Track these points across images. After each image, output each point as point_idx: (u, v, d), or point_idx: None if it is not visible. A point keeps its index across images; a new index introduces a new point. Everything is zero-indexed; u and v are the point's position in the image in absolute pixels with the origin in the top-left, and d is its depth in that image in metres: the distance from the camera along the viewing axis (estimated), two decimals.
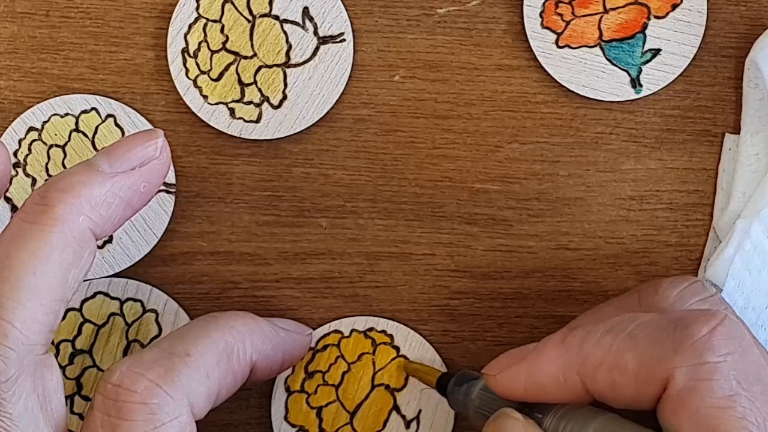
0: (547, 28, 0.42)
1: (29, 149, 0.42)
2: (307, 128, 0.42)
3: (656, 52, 0.42)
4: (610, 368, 0.33)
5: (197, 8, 0.42)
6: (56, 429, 0.34)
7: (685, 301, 0.37)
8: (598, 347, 0.33)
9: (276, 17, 0.42)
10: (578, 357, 0.34)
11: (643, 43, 0.42)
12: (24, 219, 0.34)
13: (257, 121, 0.42)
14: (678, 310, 0.36)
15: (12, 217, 0.42)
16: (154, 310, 0.42)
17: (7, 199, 0.42)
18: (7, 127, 0.42)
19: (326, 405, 0.42)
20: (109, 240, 0.42)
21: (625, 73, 0.42)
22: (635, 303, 0.38)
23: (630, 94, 0.42)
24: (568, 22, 0.42)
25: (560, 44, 0.42)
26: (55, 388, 0.34)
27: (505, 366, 0.35)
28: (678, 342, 0.32)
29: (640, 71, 0.42)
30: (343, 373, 0.42)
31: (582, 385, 0.34)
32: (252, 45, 0.42)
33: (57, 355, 0.41)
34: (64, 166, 0.42)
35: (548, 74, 0.42)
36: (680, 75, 0.42)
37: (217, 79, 0.42)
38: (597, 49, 0.42)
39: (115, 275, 0.42)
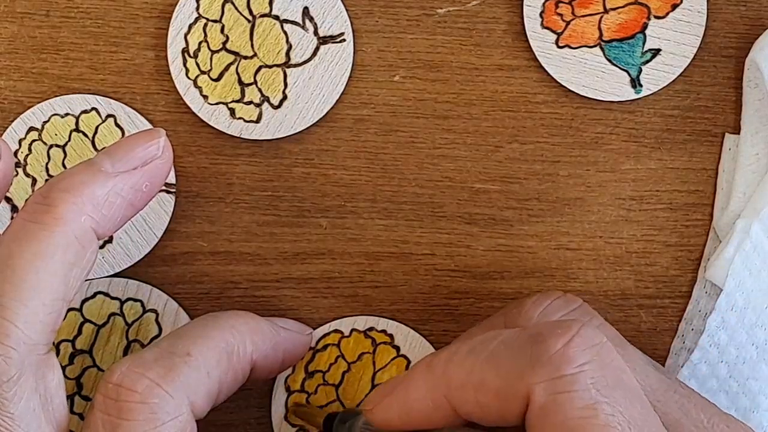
0: (547, 28, 0.42)
1: (29, 149, 0.42)
2: (307, 128, 0.42)
3: (656, 52, 0.42)
4: (474, 389, 0.33)
5: (197, 8, 0.42)
6: (57, 428, 0.34)
7: (549, 318, 0.37)
8: (461, 368, 0.33)
9: (276, 17, 0.42)
10: (443, 380, 0.34)
11: (643, 43, 0.42)
12: (26, 218, 0.34)
13: (257, 121, 0.42)
14: (536, 324, 0.36)
15: (13, 216, 0.42)
16: (154, 310, 0.42)
17: (8, 199, 0.42)
18: (7, 127, 0.42)
19: (326, 405, 0.42)
20: (110, 240, 0.42)
21: (625, 73, 0.42)
22: (501, 324, 0.38)
23: (630, 94, 0.42)
24: (568, 22, 0.42)
25: (560, 44, 0.42)
26: (56, 388, 0.34)
27: (378, 399, 0.36)
28: (536, 357, 0.32)
29: (640, 71, 0.42)
30: (344, 373, 0.42)
31: (451, 408, 0.34)
32: (252, 45, 0.42)
33: (57, 355, 0.41)
34: (64, 166, 0.42)
35: (548, 74, 0.42)
36: (680, 75, 0.42)
37: (217, 79, 0.42)
38: (597, 49, 0.42)
39: (115, 275, 0.42)
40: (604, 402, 0.31)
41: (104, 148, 0.36)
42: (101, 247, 0.42)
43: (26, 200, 0.39)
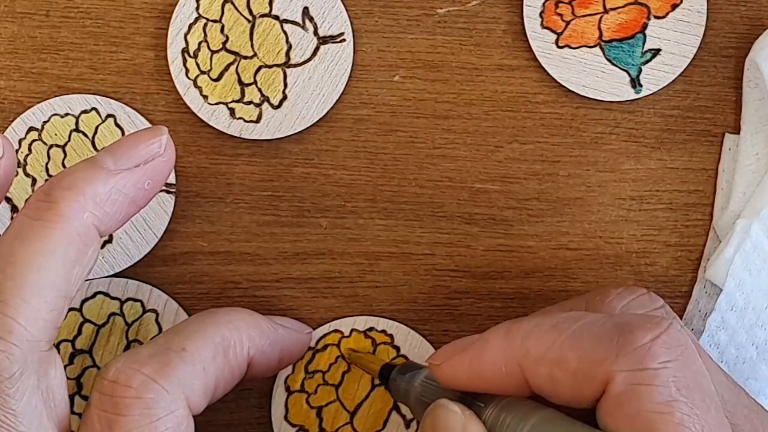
0: (547, 28, 0.42)
1: (29, 149, 0.42)
2: (307, 128, 0.42)
3: (656, 52, 0.42)
4: (551, 364, 0.33)
5: (197, 8, 0.42)
6: (59, 425, 0.34)
7: (630, 312, 0.37)
8: (541, 342, 0.33)
9: (276, 17, 0.42)
10: (521, 349, 0.34)
11: (643, 43, 0.42)
12: (28, 216, 0.34)
13: (257, 121, 0.42)
14: (625, 314, 0.36)
15: (13, 216, 0.42)
16: (154, 310, 0.42)
17: (8, 199, 0.42)
18: (7, 127, 0.42)
19: (326, 405, 0.42)
20: (110, 240, 0.42)
21: (625, 73, 0.42)
22: (582, 309, 0.38)
23: (630, 94, 0.42)
24: (568, 22, 0.42)
25: (560, 44, 0.42)
26: (58, 385, 0.34)
27: (449, 355, 0.35)
28: (621, 346, 0.32)
29: (640, 71, 0.42)
30: (344, 373, 0.42)
31: (523, 378, 0.34)
32: (252, 45, 0.42)
33: None
34: (64, 166, 0.42)
35: (548, 74, 0.42)
36: (680, 75, 0.42)
37: (217, 79, 0.42)
38: (597, 49, 0.42)
39: (115, 275, 0.42)
40: (683, 401, 0.31)
41: (107, 145, 0.36)
42: (101, 247, 0.42)
43: (27, 199, 0.39)
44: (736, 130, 0.42)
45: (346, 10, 0.42)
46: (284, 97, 0.42)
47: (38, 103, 0.42)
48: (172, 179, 0.42)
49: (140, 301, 0.42)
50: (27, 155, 0.42)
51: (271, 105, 0.42)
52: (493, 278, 0.42)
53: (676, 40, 0.42)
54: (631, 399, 0.31)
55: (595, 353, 0.32)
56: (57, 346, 0.41)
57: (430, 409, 0.35)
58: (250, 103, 0.42)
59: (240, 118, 0.42)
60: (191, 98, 0.42)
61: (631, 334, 0.32)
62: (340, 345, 0.42)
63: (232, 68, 0.42)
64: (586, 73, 0.42)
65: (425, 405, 0.35)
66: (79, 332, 0.42)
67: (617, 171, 0.42)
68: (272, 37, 0.42)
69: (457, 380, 0.35)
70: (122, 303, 0.42)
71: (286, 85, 0.42)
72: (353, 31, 0.42)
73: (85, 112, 0.42)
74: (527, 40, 0.42)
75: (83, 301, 0.42)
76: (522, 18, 0.42)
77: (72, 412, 0.42)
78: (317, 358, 0.42)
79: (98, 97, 0.42)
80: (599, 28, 0.42)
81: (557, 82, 0.42)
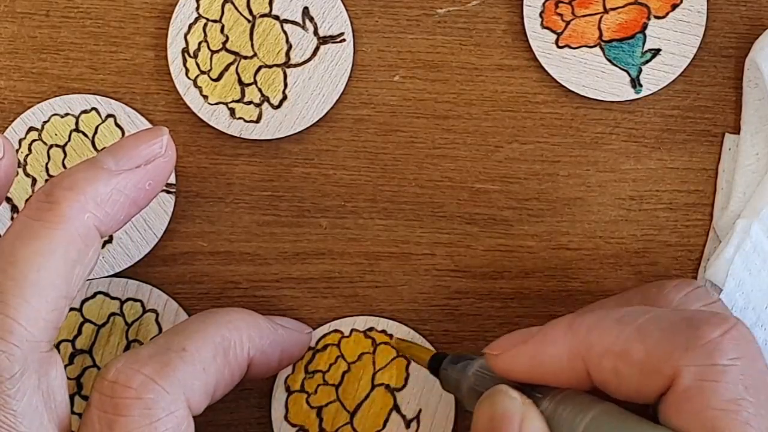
0: (547, 28, 0.42)
1: (29, 149, 0.42)
2: (307, 128, 0.42)
3: (656, 52, 0.42)
4: (617, 357, 0.33)
5: (197, 8, 0.42)
6: (60, 426, 0.34)
7: (689, 305, 0.37)
8: (607, 335, 0.33)
9: (276, 17, 0.42)
10: (585, 342, 0.33)
11: (643, 43, 0.42)
12: (29, 216, 0.34)
13: (257, 121, 0.42)
14: (691, 309, 0.36)
15: (13, 217, 0.42)
16: (154, 310, 0.42)
17: (8, 199, 0.42)
18: (7, 127, 0.42)
19: (326, 405, 0.42)
20: (110, 240, 0.42)
21: (625, 73, 0.42)
22: (638, 302, 0.38)
23: (630, 94, 0.42)
24: (568, 22, 0.42)
25: (560, 44, 0.42)
26: (59, 385, 0.34)
27: (508, 346, 0.35)
28: (689, 340, 0.32)
29: (640, 71, 0.42)
30: (343, 373, 0.42)
31: (585, 372, 0.33)
32: (252, 45, 0.42)
33: None
34: (64, 166, 0.42)
35: (548, 74, 0.42)
36: (680, 75, 0.42)
37: (217, 79, 0.42)
38: (597, 49, 0.42)
39: (115, 275, 0.42)
40: (749, 401, 0.31)
41: (108, 146, 0.36)
42: (101, 247, 0.42)
43: (27, 200, 0.39)
44: (736, 130, 0.42)
45: (346, 10, 0.42)
46: (284, 97, 0.42)
47: (38, 103, 0.42)
48: (172, 179, 0.42)
49: (140, 301, 0.42)
50: (27, 155, 0.42)
51: (271, 105, 0.42)
52: (493, 278, 0.42)
53: (676, 40, 0.42)
54: (698, 395, 0.31)
55: (662, 347, 0.32)
56: (57, 346, 0.41)
57: (487, 395, 0.34)
58: (250, 103, 0.42)
59: (240, 118, 0.42)
60: (191, 98, 0.42)
61: (699, 329, 0.32)
62: (340, 345, 0.42)
63: (232, 68, 0.42)
64: (586, 73, 0.42)
65: (479, 395, 0.35)
66: (79, 332, 0.42)
67: (617, 171, 0.42)
68: (272, 37, 0.42)
69: (516, 371, 0.35)
70: (122, 303, 0.42)
71: (286, 85, 0.42)
72: (353, 31, 0.42)
73: (85, 112, 0.42)
74: (527, 40, 0.42)
75: (83, 301, 0.42)
76: (522, 18, 0.42)
77: (72, 412, 0.41)
78: (317, 358, 0.42)
79: (98, 97, 0.42)
80: (599, 28, 0.42)
81: (557, 82, 0.42)
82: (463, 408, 0.41)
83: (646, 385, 0.32)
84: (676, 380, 0.32)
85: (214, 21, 0.42)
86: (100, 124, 0.42)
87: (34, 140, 0.42)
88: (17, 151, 0.42)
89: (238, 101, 0.42)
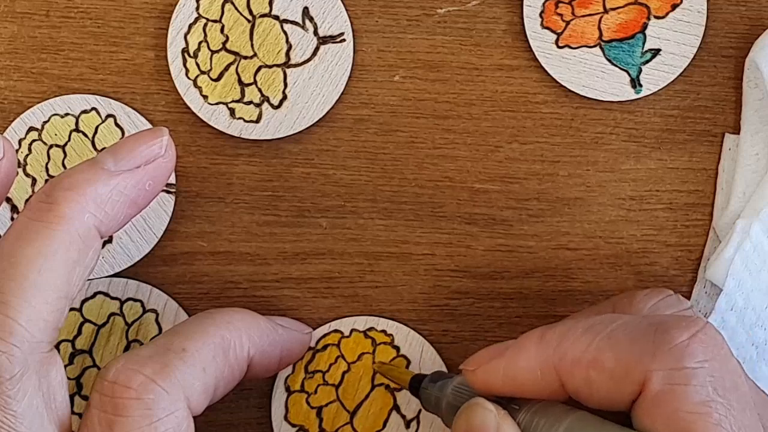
0: (547, 28, 0.42)
1: (29, 149, 0.42)
2: (307, 128, 0.42)
3: (656, 52, 0.42)
4: (588, 366, 0.33)
5: (197, 8, 0.42)
6: (60, 426, 0.34)
7: (659, 313, 0.37)
8: (577, 344, 0.33)
9: (276, 17, 0.42)
10: (557, 353, 0.34)
11: (643, 43, 0.42)
12: (29, 217, 0.34)
13: (257, 121, 0.42)
14: (659, 314, 0.36)
15: (13, 217, 0.42)
16: (154, 310, 0.42)
17: (8, 200, 0.42)
18: (7, 127, 0.42)
19: (326, 405, 0.42)
20: (109, 240, 0.42)
21: (625, 73, 0.42)
22: (609, 312, 0.38)
23: (630, 94, 0.42)
24: (568, 22, 0.42)
25: (560, 44, 0.42)
26: (59, 386, 0.34)
27: (483, 361, 0.35)
28: (657, 345, 0.32)
29: (640, 71, 0.42)
30: (344, 373, 0.42)
31: (559, 382, 0.34)
32: (252, 45, 0.42)
33: None
34: (64, 166, 0.42)
35: (548, 74, 0.42)
36: (680, 75, 0.42)
37: (217, 79, 0.42)
38: (597, 49, 0.42)
39: (115, 275, 0.42)
40: (720, 402, 0.31)
41: (108, 146, 0.36)
42: (101, 247, 0.42)
43: (26, 200, 0.39)
44: (736, 130, 0.42)
45: (346, 10, 0.42)
46: (284, 97, 0.42)
47: (38, 103, 0.42)
48: (172, 179, 0.42)
49: (140, 301, 0.42)
50: (27, 155, 0.42)
51: (271, 105, 0.42)
52: (493, 278, 0.42)
53: (676, 40, 0.42)
54: (669, 399, 0.31)
55: (632, 353, 0.32)
56: (57, 346, 0.41)
57: (464, 408, 0.35)
58: (250, 103, 0.42)
59: (240, 118, 0.42)
60: (191, 98, 0.42)
61: (667, 333, 0.32)
62: (340, 345, 0.42)
63: (232, 68, 0.42)
64: (586, 73, 0.42)
65: (457, 411, 0.35)
66: (79, 332, 0.42)
67: (617, 171, 0.42)
68: (272, 37, 0.42)
69: (492, 385, 0.35)
70: (122, 303, 0.42)
71: (286, 85, 0.42)
72: (353, 31, 0.42)
73: (85, 112, 0.42)
74: (527, 40, 0.42)
75: (83, 301, 0.42)
76: (522, 18, 0.42)
77: (72, 412, 0.41)
78: (317, 358, 0.42)
79: (98, 97, 0.42)
80: (599, 28, 0.42)
81: (557, 82, 0.42)
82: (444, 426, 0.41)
83: (618, 392, 0.33)
84: (646, 385, 0.32)
85: (214, 21, 0.42)
86: (100, 124, 0.42)
87: (34, 140, 0.42)
88: (17, 151, 0.42)
89: (238, 101, 0.42)
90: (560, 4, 0.42)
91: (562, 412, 0.33)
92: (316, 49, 0.42)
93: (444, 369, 0.42)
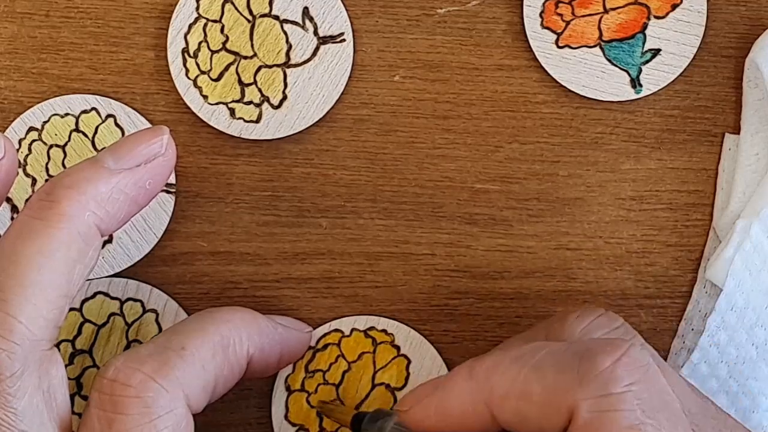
0: (547, 28, 0.42)
1: (29, 149, 0.42)
2: (307, 128, 0.42)
3: (656, 52, 0.42)
4: (517, 398, 0.33)
5: (197, 8, 0.42)
6: (60, 424, 0.34)
7: (591, 335, 0.37)
8: (505, 377, 0.33)
9: (276, 17, 0.42)
10: (485, 387, 0.34)
11: (643, 43, 0.42)
12: (30, 215, 0.34)
13: (257, 121, 0.42)
14: (584, 340, 0.36)
15: (13, 217, 0.42)
16: (154, 310, 0.42)
17: (8, 200, 0.42)
18: (7, 127, 0.42)
19: (327, 404, 0.42)
20: (109, 240, 0.42)
21: (625, 73, 0.42)
22: (543, 337, 0.38)
23: (630, 94, 0.42)
24: (568, 22, 0.42)
25: (560, 44, 0.42)
26: (59, 384, 0.34)
27: (416, 400, 0.36)
28: (583, 373, 0.32)
29: (640, 71, 0.42)
30: (344, 372, 0.42)
31: (490, 415, 0.34)
32: (252, 45, 0.42)
33: None
34: (64, 166, 0.42)
35: (548, 74, 0.42)
36: (680, 75, 0.42)
37: (217, 79, 0.42)
38: (597, 49, 0.42)
39: (115, 275, 0.42)
40: (649, 424, 0.31)
41: (108, 145, 0.36)
42: (101, 247, 0.42)
43: (27, 200, 0.39)
44: (736, 130, 0.42)
45: (346, 10, 0.42)
46: (284, 97, 0.42)
47: (38, 103, 0.42)
48: (172, 179, 0.42)
49: (140, 301, 0.42)
50: (27, 155, 0.42)
51: (271, 105, 0.42)
52: (493, 278, 0.42)
53: (676, 40, 0.42)
54: (598, 426, 0.31)
55: (557, 383, 0.32)
56: (57, 346, 0.41)
57: None
58: (250, 103, 0.42)
59: (240, 118, 0.42)
60: (191, 98, 0.42)
61: (591, 360, 0.32)
62: (340, 344, 0.42)
63: (232, 68, 0.42)
64: (586, 73, 0.42)
65: None
66: (79, 332, 0.42)
67: (617, 171, 0.42)
68: (272, 37, 0.42)
69: (427, 424, 0.35)
70: (122, 303, 0.42)
71: (286, 85, 0.42)
72: (353, 31, 0.42)
73: (85, 112, 0.42)
74: (527, 40, 0.42)
75: (83, 301, 0.42)
76: (522, 18, 0.42)
77: (72, 412, 0.41)
78: (317, 357, 0.42)
79: (98, 97, 0.42)
80: (599, 28, 0.42)
81: (557, 82, 0.42)
82: None
83: (548, 422, 0.33)
84: (575, 414, 0.32)
85: (214, 21, 0.42)
86: (100, 124, 0.42)
87: (34, 140, 0.42)
88: (17, 151, 0.42)
89: (238, 101, 0.42)
90: (560, 4, 0.42)
91: None
92: (316, 49, 0.42)
93: (444, 369, 0.42)
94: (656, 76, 0.42)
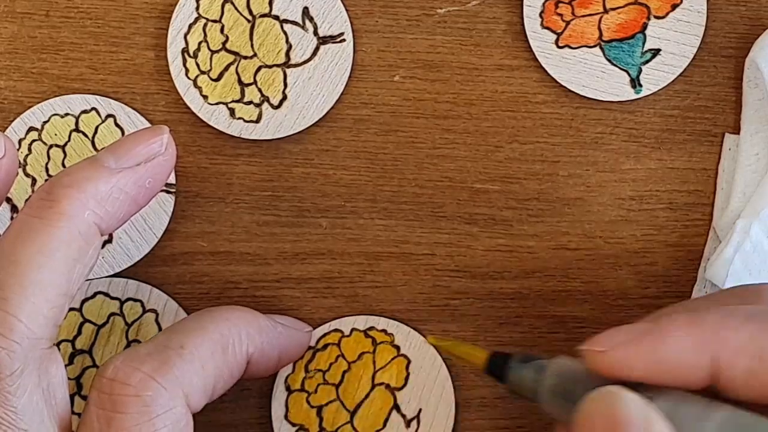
0: (547, 28, 0.42)
1: (29, 149, 0.42)
2: (307, 128, 0.42)
3: (656, 52, 0.42)
4: (753, 357, 0.31)
5: (197, 8, 0.42)
6: (60, 423, 0.34)
7: None
8: (741, 332, 0.31)
9: (276, 17, 0.42)
10: (716, 339, 0.31)
11: (643, 43, 0.42)
12: (30, 214, 0.34)
13: (257, 121, 0.42)
14: None
15: (13, 217, 0.42)
16: (154, 310, 0.42)
17: (8, 199, 0.42)
18: (7, 127, 0.42)
19: (326, 404, 0.42)
20: (109, 240, 0.42)
21: (625, 73, 0.42)
22: (736, 303, 0.35)
23: (630, 94, 0.42)
24: (568, 22, 0.42)
25: (560, 44, 0.42)
26: (59, 383, 0.34)
27: (614, 343, 0.32)
28: None
29: (640, 71, 0.42)
30: (344, 372, 0.42)
31: (709, 370, 0.31)
32: (252, 45, 0.42)
33: None
34: (63, 166, 0.42)
35: (548, 74, 0.42)
36: (680, 75, 0.42)
37: (217, 79, 0.42)
38: (597, 49, 0.42)
39: (115, 275, 0.42)
40: None
41: (108, 144, 0.36)
42: (101, 247, 0.42)
43: (27, 199, 0.39)
44: (736, 130, 0.42)
45: (346, 10, 0.42)
46: (284, 97, 0.42)
47: (38, 103, 0.42)
48: (172, 179, 0.42)
49: (140, 301, 0.42)
50: (27, 155, 0.42)
51: (271, 105, 0.42)
52: (493, 278, 0.42)
53: (676, 40, 0.42)
54: None
55: None
56: (57, 345, 0.41)
57: (599, 398, 0.31)
58: (250, 103, 0.42)
59: (240, 118, 0.42)
60: (191, 98, 0.42)
61: None
62: (340, 344, 0.42)
63: (232, 68, 0.42)
64: (586, 73, 0.42)
65: (565, 398, 0.33)
66: (79, 332, 0.42)
67: (617, 171, 0.42)
68: (272, 37, 0.42)
69: (630, 370, 0.32)
70: (122, 303, 0.42)
71: (286, 85, 0.42)
72: (353, 31, 0.42)
73: (85, 112, 0.42)
74: (527, 40, 0.42)
75: (83, 301, 0.42)
76: (522, 18, 0.42)
77: (72, 412, 0.41)
78: (317, 357, 0.42)
79: (98, 97, 0.42)
80: (599, 28, 0.42)
81: (557, 82, 0.42)
82: (543, 412, 0.36)
83: None
84: None
85: (214, 21, 0.42)
86: (100, 124, 0.42)
87: (34, 140, 0.42)
88: (17, 150, 0.42)
89: (238, 101, 0.42)
90: (560, 4, 0.42)
91: (705, 405, 0.31)
92: (316, 49, 0.42)
93: (444, 369, 0.42)
94: (656, 76, 0.42)
